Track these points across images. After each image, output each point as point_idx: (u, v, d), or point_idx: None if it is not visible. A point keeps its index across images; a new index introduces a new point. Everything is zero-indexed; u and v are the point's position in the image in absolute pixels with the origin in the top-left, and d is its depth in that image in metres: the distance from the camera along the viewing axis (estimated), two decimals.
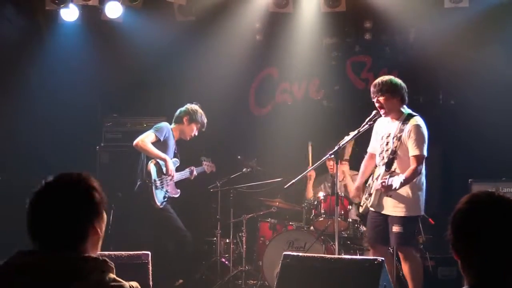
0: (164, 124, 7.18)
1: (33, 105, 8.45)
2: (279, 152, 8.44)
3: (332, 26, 8.76)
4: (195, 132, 7.31)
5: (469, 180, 7.09)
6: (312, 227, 7.43)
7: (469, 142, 8.08)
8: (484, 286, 2.07)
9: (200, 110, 7.30)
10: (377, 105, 5.90)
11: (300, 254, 5.35)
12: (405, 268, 5.91)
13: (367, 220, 6.28)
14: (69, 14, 8.15)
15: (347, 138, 6.01)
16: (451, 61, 8.16)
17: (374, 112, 5.96)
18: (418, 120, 5.81)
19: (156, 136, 6.94)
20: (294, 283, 4.87)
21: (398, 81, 5.91)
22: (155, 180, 6.90)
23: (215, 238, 7.98)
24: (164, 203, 7.01)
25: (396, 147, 5.82)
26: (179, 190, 7.31)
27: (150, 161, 6.94)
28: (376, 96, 5.87)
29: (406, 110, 5.93)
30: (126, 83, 8.69)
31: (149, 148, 6.84)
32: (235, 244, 7.97)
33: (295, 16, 8.59)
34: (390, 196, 5.83)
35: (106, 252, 4.79)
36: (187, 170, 7.50)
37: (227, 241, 7.96)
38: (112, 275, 2.23)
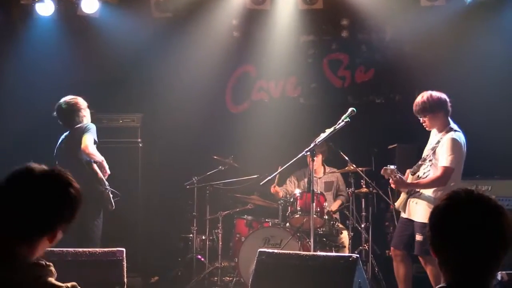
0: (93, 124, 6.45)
1: (7, 101, 8.35)
2: (256, 149, 8.43)
3: (309, 24, 8.77)
4: None
5: None
6: (288, 224, 7.45)
7: None
8: (461, 284, 2.08)
9: None
10: (423, 124, 5.93)
11: (276, 251, 5.37)
12: (428, 272, 5.87)
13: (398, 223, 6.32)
14: (45, 8, 8.07)
15: (323, 136, 6.03)
16: (427, 60, 8.20)
17: (350, 110, 5.98)
18: (455, 134, 5.75)
19: (94, 139, 6.26)
20: (269, 280, 4.88)
21: (437, 95, 5.86)
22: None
23: (191, 235, 7.98)
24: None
25: (427, 155, 5.88)
26: None
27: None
28: (420, 117, 5.89)
29: (452, 124, 5.88)
30: (102, 79, 8.61)
31: (96, 152, 6.20)
32: (211, 241, 7.98)
33: (272, 13, 8.59)
34: (416, 201, 5.86)
35: (80, 249, 4.78)
36: None
37: (203, 237, 7.97)
38: (50, 279, 2.13)
